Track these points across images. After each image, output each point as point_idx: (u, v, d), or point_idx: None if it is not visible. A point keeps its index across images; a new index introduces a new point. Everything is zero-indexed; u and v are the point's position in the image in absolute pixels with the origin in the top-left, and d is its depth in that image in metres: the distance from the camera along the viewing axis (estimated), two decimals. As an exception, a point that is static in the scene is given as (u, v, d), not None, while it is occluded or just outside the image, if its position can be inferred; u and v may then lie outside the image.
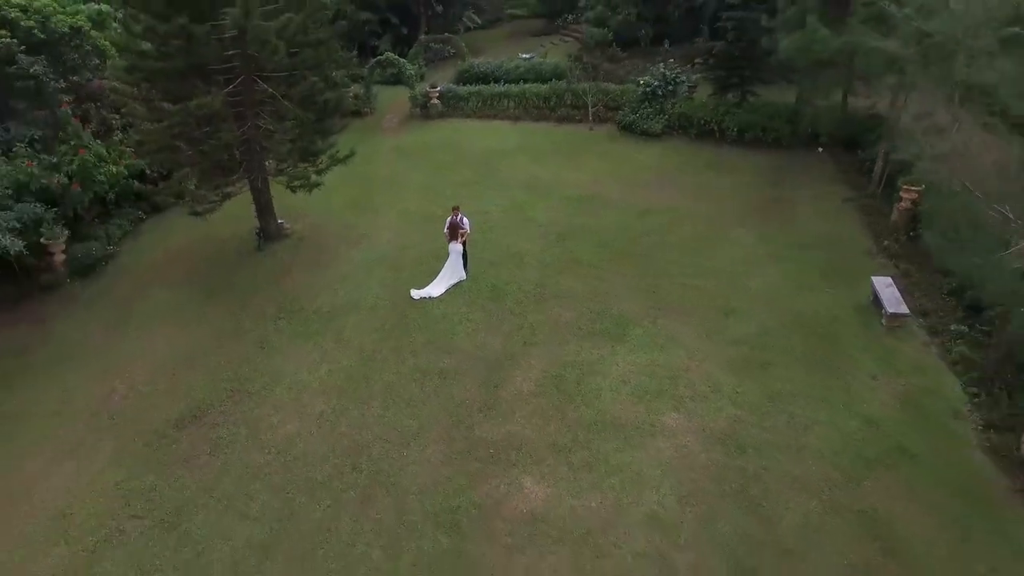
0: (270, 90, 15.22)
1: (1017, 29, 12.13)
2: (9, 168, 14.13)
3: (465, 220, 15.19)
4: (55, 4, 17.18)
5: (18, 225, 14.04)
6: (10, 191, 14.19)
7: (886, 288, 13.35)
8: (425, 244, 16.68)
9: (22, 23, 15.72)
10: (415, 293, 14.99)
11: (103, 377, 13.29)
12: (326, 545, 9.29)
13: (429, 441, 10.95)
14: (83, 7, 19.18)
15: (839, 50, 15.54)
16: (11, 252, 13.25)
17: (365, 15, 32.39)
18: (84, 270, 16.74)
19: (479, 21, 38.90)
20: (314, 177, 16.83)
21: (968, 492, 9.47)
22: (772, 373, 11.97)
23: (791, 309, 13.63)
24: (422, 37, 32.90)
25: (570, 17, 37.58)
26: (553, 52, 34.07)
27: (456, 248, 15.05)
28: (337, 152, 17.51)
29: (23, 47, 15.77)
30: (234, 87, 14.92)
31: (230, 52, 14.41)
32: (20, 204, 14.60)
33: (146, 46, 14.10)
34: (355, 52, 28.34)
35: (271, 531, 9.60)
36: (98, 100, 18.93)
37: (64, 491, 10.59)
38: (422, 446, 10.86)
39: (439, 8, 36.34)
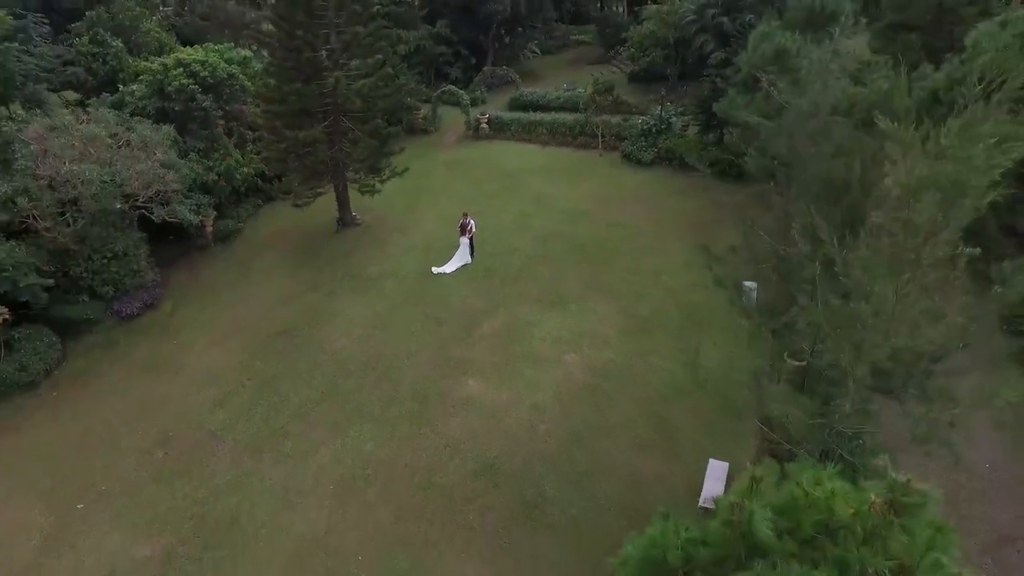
0: (350, 126, 22.65)
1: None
2: (187, 170, 22.17)
3: (472, 222, 22.01)
4: (219, 57, 25.43)
5: (194, 207, 22.16)
6: (186, 186, 22.25)
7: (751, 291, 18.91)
8: (450, 237, 23.51)
9: (200, 73, 23.94)
10: (435, 269, 21.96)
11: (233, 306, 21.13)
12: (351, 403, 16.36)
13: (421, 356, 17.84)
14: (234, 54, 27.51)
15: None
16: (192, 223, 21.36)
17: (440, 48, 39.83)
18: (223, 238, 24.90)
19: (539, 52, 45.38)
20: (377, 185, 24.18)
21: (728, 411, 15.23)
22: (650, 336, 17.99)
23: (684, 299, 19.49)
24: (485, 68, 39.91)
25: (620, 49, 43.20)
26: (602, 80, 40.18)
27: (464, 241, 21.90)
28: (395, 168, 24.76)
29: (199, 88, 23.97)
30: (327, 123, 22.44)
31: (326, 101, 21.92)
32: (192, 193, 22.72)
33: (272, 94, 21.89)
34: (429, 78, 35.81)
35: (321, 393, 16.80)
36: (238, 120, 27.14)
37: (213, 363, 18.31)
38: (416, 358, 17.76)
39: (506, 40, 43.23)
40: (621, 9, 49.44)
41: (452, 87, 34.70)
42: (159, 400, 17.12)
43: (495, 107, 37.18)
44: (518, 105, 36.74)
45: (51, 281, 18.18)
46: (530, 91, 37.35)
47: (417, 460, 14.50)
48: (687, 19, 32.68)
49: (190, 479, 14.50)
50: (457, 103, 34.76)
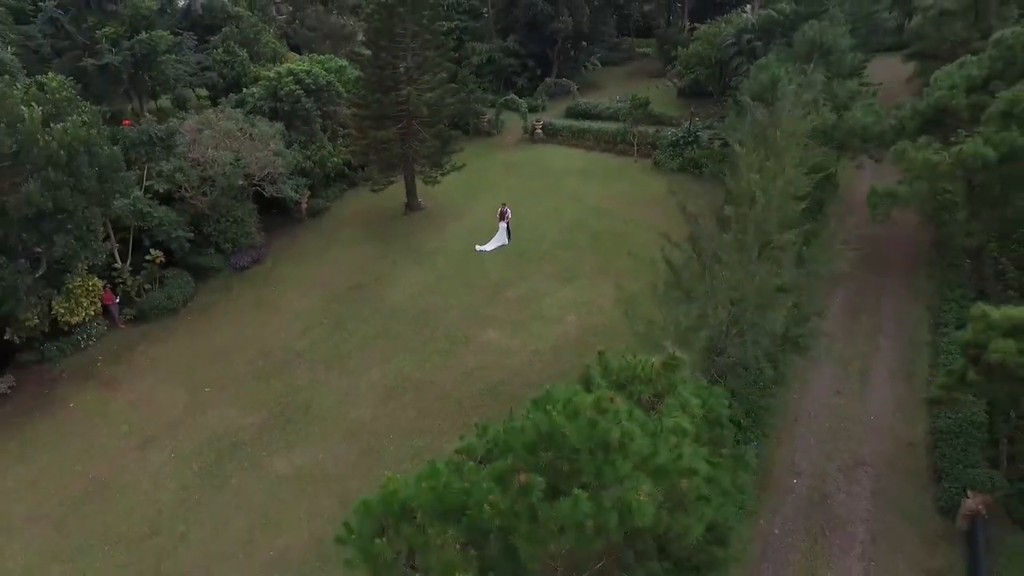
0: (419, 128, 28.04)
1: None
2: (290, 158, 28.20)
3: (508, 211, 26.88)
4: (321, 67, 31.50)
5: (294, 187, 28.22)
6: (289, 170, 28.27)
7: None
8: (494, 223, 28.51)
9: (305, 80, 30.04)
10: (478, 247, 26.99)
11: (318, 266, 26.94)
12: (399, 340, 21.62)
13: (455, 312, 22.88)
14: (332, 63, 33.60)
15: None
16: (292, 200, 27.42)
17: (509, 60, 44.89)
18: (314, 213, 30.93)
19: (599, 65, 49.55)
20: (439, 177, 29.46)
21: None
22: (636, 305, 22.24)
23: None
24: (547, 79, 44.62)
25: (674, 65, 46.82)
26: (651, 93, 44.08)
27: (502, 226, 26.82)
28: (455, 164, 29.94)
29: (304, 92, 30.07)
30: (401, 126, 27.91)
31: (401, 108, 27.38)
32: (293, 176, 28.77)
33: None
34: (498, 86, 40.89)
35: (377, 332, 22.14)
36: (332, 119, 33.16)
37: (300, 306, 24.09)
38: (451, 313, 22.82)
39: (570, 53, 47.81)
40: (684, 24, 52.72)
41: (513, 96, 39.68)
42: (260, 328, 23.04)
43: (553, 114, 41.90)
44: (573, 113, 41.27)
45: (191, 235, 24.50)
46: (585, 101, 41.81)
47: (442, 381, 19.55)
48: (727, 42, 36.20)
49: (279, 380, 20.18)
50: (517, 110, 39.68)
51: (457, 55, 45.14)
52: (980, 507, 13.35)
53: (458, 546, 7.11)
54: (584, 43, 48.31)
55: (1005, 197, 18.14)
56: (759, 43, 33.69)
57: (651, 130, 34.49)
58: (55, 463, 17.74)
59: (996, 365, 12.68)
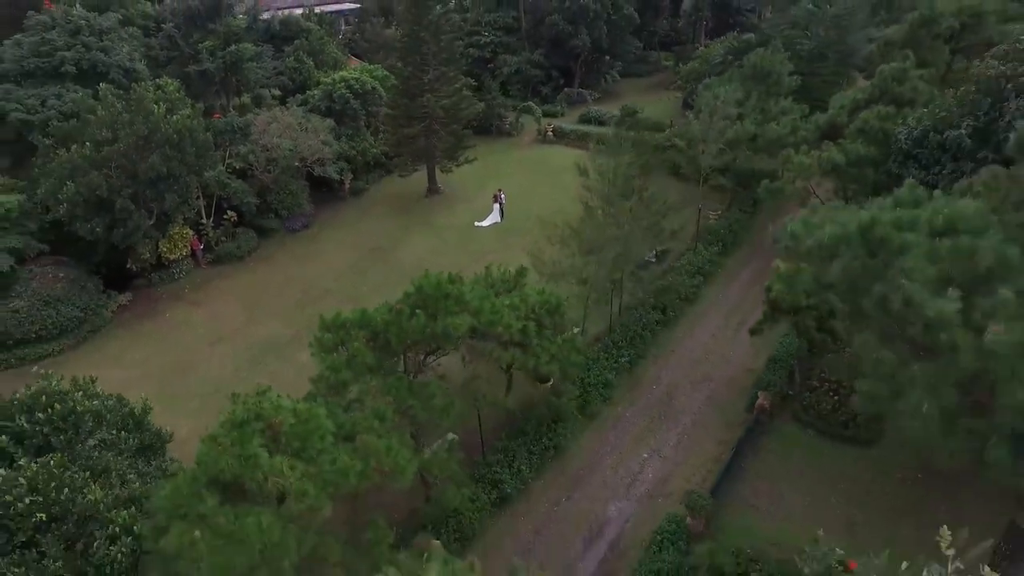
0: (437, 128, 35.14)
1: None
2: (337, 147, 35.78)
3: (503, 195, 33.57)
4: (369, 75, 39.09)
5: (338, 170, 35.86)
6: (335, 156, 35.86)
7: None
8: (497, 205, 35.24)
9: (354, 86, 37.67)
10: (476, 223, 33.82)
11: (352, 233, 34.42)
12: (398, 286, 28.72)
13: (448, 267, 29.78)
14: (379, 72, 41.15)
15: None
16: (336, 180, 35.09)
17: (535, 71, 51.50)
18: (354, 193, 38.53)
19: (618, 77, 55.37)
20: (453, 168, 36.48)
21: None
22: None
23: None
24: (566, 89, 50.98)
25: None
26: (657, 105, 49.80)
27: (495, 207, 33.55)
28: (468, 157, 36.87)
29: (353, 96, 37.68)
30: (423, 125, 35.06)
31: (423, 111, 34.53)
32: (339, 161, 36.42)
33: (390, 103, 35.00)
34: (526, 94, 47.61)
35: (388, 279, 29.27)
36: (374, 117, 40.67)
37: (335, 260, 31.56)
38: (445, 268, 29.75)
39: (594, 66, 53.99)
40: (701, 42, 57.85)
41: (530, 103, 46.30)
42: (302, 273, 30.61)
43: (570, 120, 48.25)
44: (585, 119, 47.48)
45: (257, 202, 32.39)
46: (596, 109, 47.97)
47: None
48: (716, 60, 41.63)
49: (312, 308, 27.52)
50: (532, 114, 46.23)
51: (491, 66, 52.32)
52: (766, 403, 19.18)
53: (363, 338, 13.96)
54: (606, 57, 54.33)
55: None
56: (735, 65, 39.03)
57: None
58: (157, 350, 25.71)
59: (775, 301, 18.55)
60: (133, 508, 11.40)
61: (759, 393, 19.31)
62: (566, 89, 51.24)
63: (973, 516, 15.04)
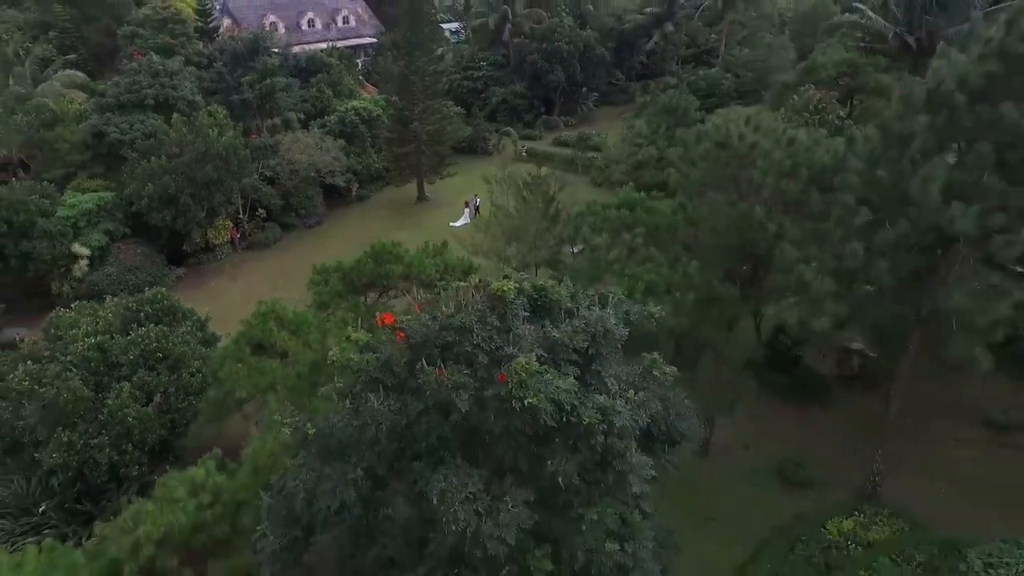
0: (424, 148, 44.58)
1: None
2: (346, 161, 45.24)
3: (477, 199, 42.69)
4: (375, 104, 48.76)
5: (346, 180, 45.40)
6: (344, 168, 45.33)
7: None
8: (471, 210, 44.32)
9: (362, 113, 47.22)
10: (451, 224, 43.00)
11: (356, 229, 43.81)
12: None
13: (423, 256, 38.98)
14: (383, 102, 50.81)
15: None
16: (343, 187, 44.65)
17: (519, 101, 60.88)
18: (359, 199, 48.06)
19: (592, 106, 64.34)
20: (437, 181, 45.83)
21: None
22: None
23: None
24: (543, 117, 60.23)
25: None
26: (621, 130, 58.59)
27: (466, 211, 42.71)
28: (450, 172, 46.19)
29: (361, 121, 47.23)
30: (413, 146, 44.50)
31: (412, 135, 44.00)
32: (347, 173, 45.97)
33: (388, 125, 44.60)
34: (511, 120, 57.03)
35: (378, 263, 38.54)
36: (377, 138, 50.20)
37: (341, 248, 40.93)
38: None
39: (572, 97, 63.20)
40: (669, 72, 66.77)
41: (510, 128, 55.58)
42: (314, 258, 39.70)
43: (547, 142, 57.34)
44: (559, 142, 56.55)
45: (282, 203, 41.97)
46: (567, 134, 57.06)
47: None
48: (640, 99, 50.42)
49: (319, 281, 36.85)
50: (510, 136, 55.49)
51: (483, 95, 61.87)
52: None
53: (338, 278, 23.07)
54: (582, 88, 63.44)
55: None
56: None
57: (591, 155, 49.44)
58: (204, 308, 35.19)
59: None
60: (200, 361, 20.60)
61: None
62: (544, 116, 60.44)
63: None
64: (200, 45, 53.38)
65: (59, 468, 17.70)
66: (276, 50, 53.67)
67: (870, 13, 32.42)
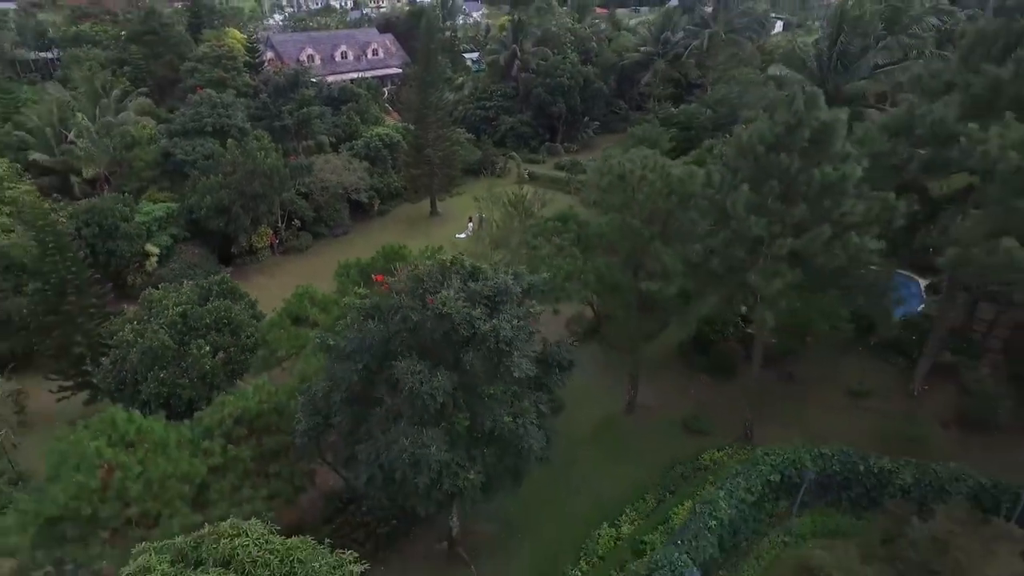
0: (435, 170, 51.89)
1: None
2: (369, 181, 52.58)
3: (481, 216, 49.72)
4: (395, 130, 56.32)
5: (368, 196, 52.89)
6: (367, 187, 52.71)
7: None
8: (476, 224, 51.32)
9: (384, 139, 54.75)
10: (456, 235, 50.04)
11: (377, 237, 51.10)
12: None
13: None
14: (402, 128, 58.35)
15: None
16: (367, 203, 52.07)
17: (525, 128, 68.13)
18: (380, 213, 55.47)
19: (592, 134, 71.28)
20: (447, 198, 53.05)
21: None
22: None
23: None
24: (546, 143, 67.33)
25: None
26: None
27: (470, 225, 49.77)
28: (458, 191, 53.39)
29: (383, 146, 54.74)
30: (426, 168, 51.83)
31: (426, 159, 51.34)
32: (370, 191, 53.40)
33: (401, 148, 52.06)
34: (518, 145, 64.30)
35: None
36: (397, 160, 57.64)
37: (364, 251, 48.20)
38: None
39: (574, 125, 70.26)
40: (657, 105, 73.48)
41: (514, 153, 62.73)
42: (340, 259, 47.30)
43: (548, 166, 64.31)
44: (557, 166, 63.48)
45: (314, 215, 49.43)
46: (566, 159, 63.98)
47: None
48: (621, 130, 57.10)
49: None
50: (514, 160, 62.59)
51: (494, 123, 69.26)
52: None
53: (356, 271, 30.00)
54: (584, 118, 70.45)
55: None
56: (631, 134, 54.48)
57: (582, 177, 56.13)
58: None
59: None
60: (253, 328, 27.68)
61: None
62: (547, 143, 67.51)
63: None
64: (248, 77, 61.73)
65: (152, 399, 24.75)
66: (314, 79, 61.78)
67: (787, 70, 38.79)
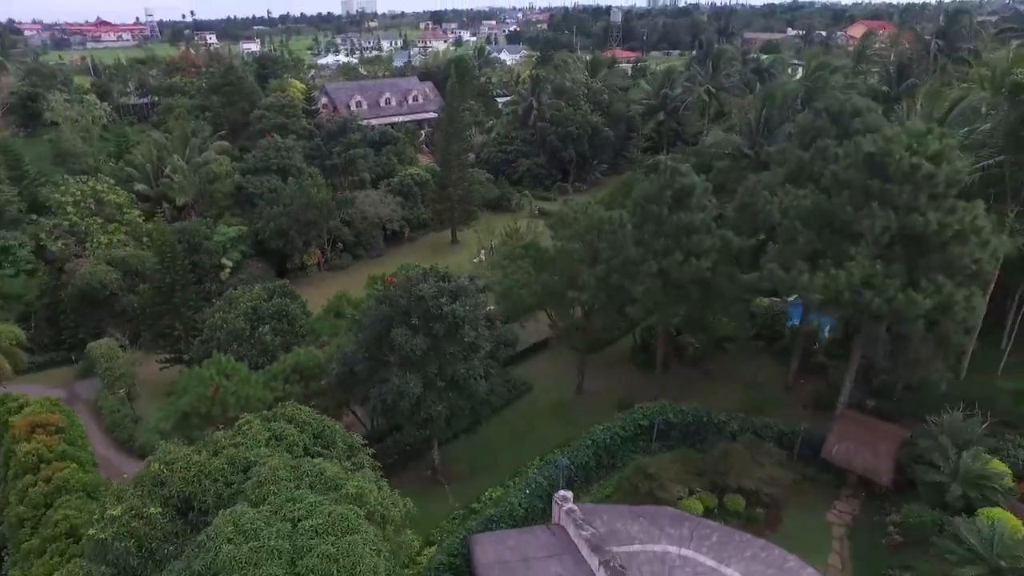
0: (455, 204, 62.05)
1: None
2: (401, 212, 62.91)
3: (490, 245, 59.49)
4: (425, 170, 66.91)
5: (398, 226, 63.18)
6: (399, 217, 63.03)
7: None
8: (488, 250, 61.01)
9: (416, 177, 65.31)
10: (473, 259, 59.82)
11: (405, 258, 61.23)
12: (421, 285, 55.02)
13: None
14: (433, 167, 68.92)
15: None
16: (399, 231, 62.48)
17: (539, 170, 78.11)
18: (410, 240, 65.80)
19: (600, 176, 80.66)
20: (466, 229, 63.10)
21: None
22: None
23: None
24: (558, 184, 77.05)
25: (646, 178, 77.01)
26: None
27: (483, 251, 59.55)
28: (476, 224, 63.39)
29: (415, 183, 65.27)
30: (448, 204, 62.02)
31: (448, 194, 61.56)
32: (401, 221, 63.83)
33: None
34: (533, 185, 74.37)
35: (415, 283, 55.64)
36: (426, 195, 68.02)
37: (392, 270, 58.59)
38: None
39: (584, 167, 79.98)
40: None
41: (527, 191, 72.63)
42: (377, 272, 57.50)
43: (558, 204, 73.90)
44: (566, 204, 72.93)
45: (354, 240, 59.96)
46: (574, 197, 73.46)
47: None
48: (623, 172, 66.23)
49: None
50: (539, 197, 72.46)
51: (514, 164, 79.53)
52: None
53: (383, 283, 39.89)
54: (593, 161, 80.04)
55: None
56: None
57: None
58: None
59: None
60: (304, 320, 37.73)
61: (555, 332, 43.39)
62: (559, 183, 77.23)
63: (606, 372, 38.44)
64: (305, 121, 73.64)
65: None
66: (361, 122, 73.17)
67: (725, 134, 47.54)
